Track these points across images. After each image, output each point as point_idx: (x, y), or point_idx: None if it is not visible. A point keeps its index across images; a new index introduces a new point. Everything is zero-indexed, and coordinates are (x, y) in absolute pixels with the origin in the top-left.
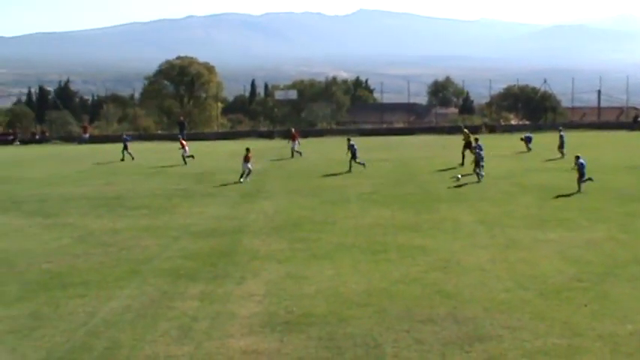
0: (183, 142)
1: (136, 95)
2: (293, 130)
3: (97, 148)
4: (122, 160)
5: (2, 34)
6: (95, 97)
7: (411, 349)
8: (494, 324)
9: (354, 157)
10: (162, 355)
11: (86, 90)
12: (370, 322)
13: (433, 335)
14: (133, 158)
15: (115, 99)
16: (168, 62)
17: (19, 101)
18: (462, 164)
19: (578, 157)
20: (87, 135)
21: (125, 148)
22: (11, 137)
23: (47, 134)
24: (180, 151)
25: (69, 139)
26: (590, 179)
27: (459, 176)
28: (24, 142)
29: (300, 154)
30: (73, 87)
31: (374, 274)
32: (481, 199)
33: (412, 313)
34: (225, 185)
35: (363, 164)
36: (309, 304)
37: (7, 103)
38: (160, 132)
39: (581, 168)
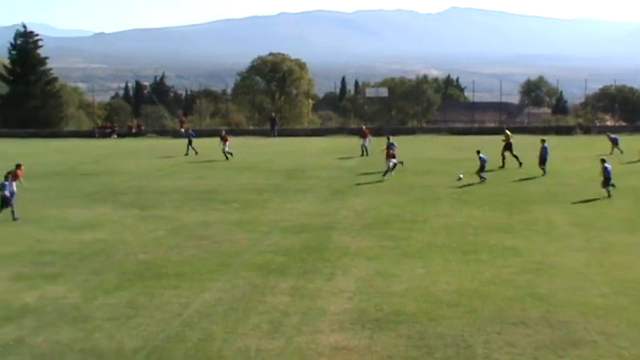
0: (227, 137)
1: (229, 91)
2: (364, 127)
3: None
4: (186, 154)
5: (103, 31)
6: (189, 92)
7: (503, 352)
8: (589, 329)
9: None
10: (254, 349)
11: (180, 85)
12: (461, 322)
13: (525, 338)
14: (196, 153)
15: (208, 94)
16: (260, 58)
17: (116, 95)
18: (503, 166)
19: (603, 161)
20: (183, 129)
21: (190, 143)
22: (109, 130)
23: (143, 128)
24: (220, 146)
25: (163, 132)
26: (613, 185)
27: (461, 176)
28: (121, 135)
29: (367, 152)
30: (167, 82)
31: (465, 274)
32: (574, 201)
33: (504, 315)
34: (315, 181)
35: (401, 162)
36: (399, 302)
37: (106, 98)
38: (251, 127)
39: (605, 173)
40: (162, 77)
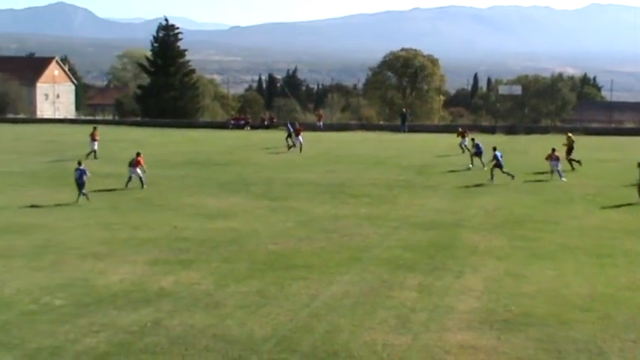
0: (301, 130)
1: (360, 85)
2: (460, 129)
3: (320, 136)
4: (288, 147)
5: (239, 24)
6: (320, 86)
7: None
8: None
9: (478, 155)
10: (381, 343)
11: (312, 79)
12: (594, 327)
13: None
14: (293, 146)
15: (340, 88)
16: (392, 54)
17: (250, 88)
18: (573, 168)
19: None
20: (321, 123)
21: (289, 135)
22: (243, 122)
23: (275, 120)
24: (291, 139)
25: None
26: None
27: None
28: (254, 127)
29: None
30: (300, 75)
31: (598, 279)
32: None
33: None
34: (445, 178)
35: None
36: (529, 304)
37: (240, 90)
38: (381, 122)
39: None
40: (295, 71)
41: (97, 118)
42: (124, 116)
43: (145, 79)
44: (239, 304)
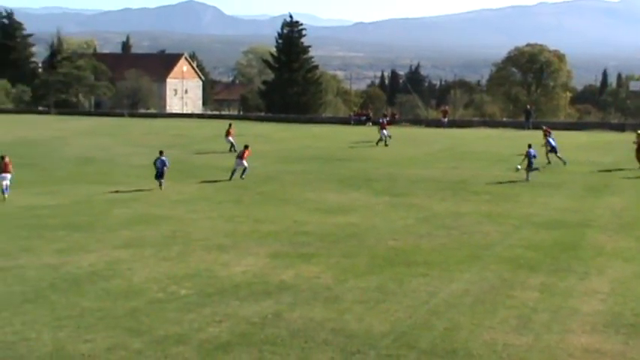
0: (385, 126)
1: (483, 82)
2: (544, 127)
3: (443, 132)
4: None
5: (362, 20)
6: (443, 82)
7: None
8: None
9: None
10: (501, 343)
11: (435, 75)
12: None
13: None
14: (382, 144)
15: (462, 84)
16: (517, 49)
17: (372, 84)
18: None
19: None
20: (446, 120)
21: (382, 128)
22: (364, 118)
23: (397, 116)
24: (381, 133)
25: (417, 121)
26: None
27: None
28: (375, 123)
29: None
30: (422, 72)
31: None
32: None
33: None
34: (569, 176)
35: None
36: None
37: (362, 86)
38: (504, 119)
39: None
40: (418, 67)
41: (223, 112)
42: (248, 111)
43: (270, 75)
44: (358, 299)
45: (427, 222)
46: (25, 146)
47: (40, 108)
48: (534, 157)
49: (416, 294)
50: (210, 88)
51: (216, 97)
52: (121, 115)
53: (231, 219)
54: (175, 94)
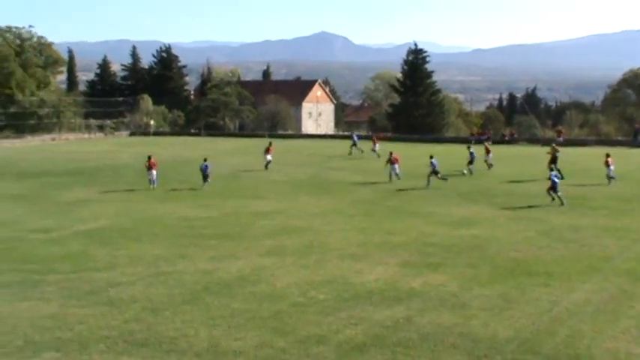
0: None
1: (597, 102)
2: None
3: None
4: (349, 154)
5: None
6: (558, 104)
7: None
8: None
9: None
10: (623, 352)
11: (550, 97)
12: None
13: None
14: (359, 152)
15: (577, 106)
16: (632, 71)
17: (490, 106)
18: None
19: None
20: (561, 139)
21: (354, 144)
22: (484, 137)
23: (515, 136)
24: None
25: (533, 140)
26: None
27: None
28: (495, 142)
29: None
30: (538, 94)
31: None
32: None
33: None
34: None
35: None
36: None
37: (481, 107)
38: (619, 138)
39: None
40: (534, 89)
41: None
42: (376, 132)
43: (395, 99)
44: (483, 306)
45: (547, 235)
46: (181, 164)
47: (192, 130)
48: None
49: (538, 302)
50: (341, 111)
51: (347, 119)
52: (262, 136)
53: (363, 230)
54: (310, 116)
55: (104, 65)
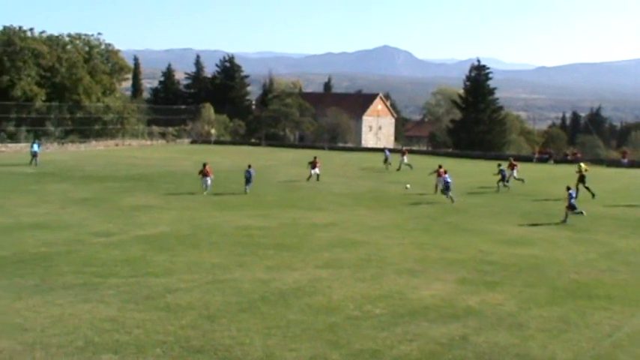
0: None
1: None
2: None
3: (623, 172)
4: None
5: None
6: (624, 124)
7: None
8: None
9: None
10: None
11: (615, 117)
12: None
13: None
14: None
15: None
16: None
17: (553, 124)
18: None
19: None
20: (625, 160)
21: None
22: (546, 156)
23: (578, 155)
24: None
25: (597, 161)
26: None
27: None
28: (557, 161)
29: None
30: (603, 113)
31: None
32: None
33: None
34: None
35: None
36: None
37: (544, 126)
38: None
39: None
40: (599, 109)
41: (413, 148)
42: (436, 147)
43: (457, 114)
44: (541, 327)
45: (609, 257)
46: (241, 173)
47: (253, 140)
48: (574, 195)
49: (598, 326)
50: (401, 125)
51: (407, 133)
52: (322, 148)
53: (420, 246)
54: (370, 130)
55: (168, 73)
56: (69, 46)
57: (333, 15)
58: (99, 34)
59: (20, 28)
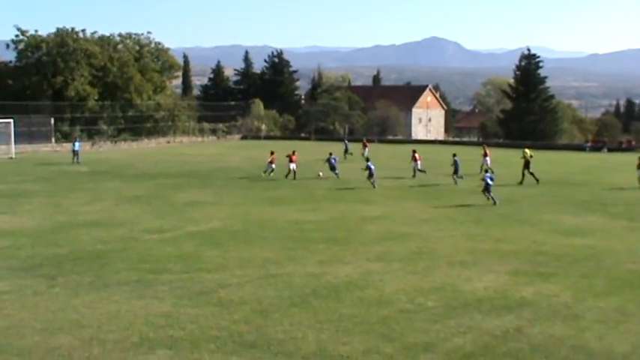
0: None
1: None
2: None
3: None
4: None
5: (597, 52)
6: None
7: None
8: None
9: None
10: None
11: None
12: None
13: None
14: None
15: None
16: None
17: (607, 112)
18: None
19: None
20: None
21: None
22: (600, 145)
23: (633, 143)
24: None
25: None
26: None
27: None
28: (611, 149)
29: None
30: None
31: None
32: None
33: None
34: None
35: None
36: None
37: (597, 114)
38: None
39: None
40: None
41: (464, 139)
42: (487, 138)
43: (507, 104)
44: (597, 318)
45: None
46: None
47: (302, 134)
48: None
49: None
50: (451, 117)
51: (457, 124)
52: (372, 141)
53: (472, 237)
54: (420, 122)
55: (217, 70)
56: (120, 46)
57: (382, 7)
58: (149, 32)
59: (73, 29)
